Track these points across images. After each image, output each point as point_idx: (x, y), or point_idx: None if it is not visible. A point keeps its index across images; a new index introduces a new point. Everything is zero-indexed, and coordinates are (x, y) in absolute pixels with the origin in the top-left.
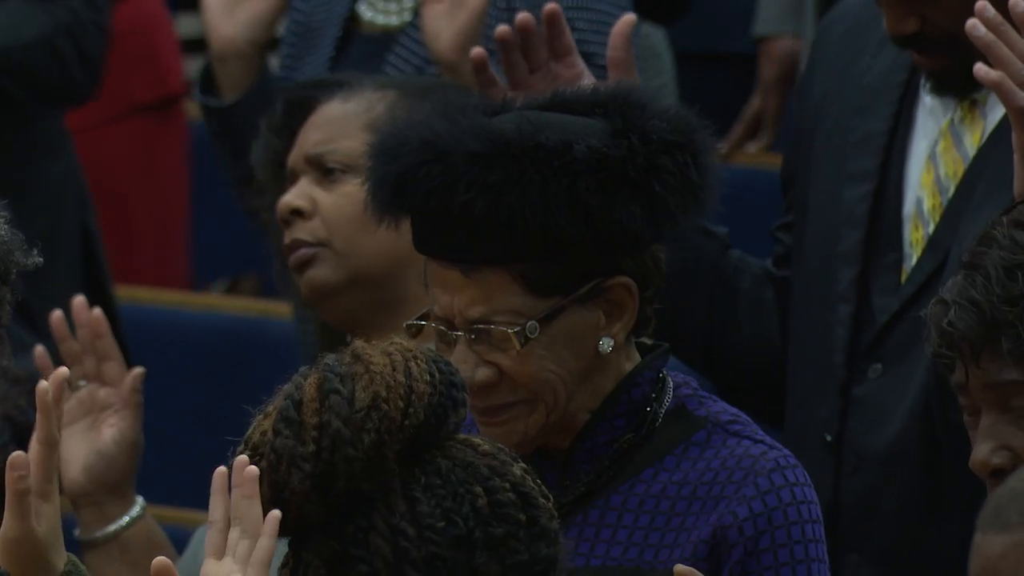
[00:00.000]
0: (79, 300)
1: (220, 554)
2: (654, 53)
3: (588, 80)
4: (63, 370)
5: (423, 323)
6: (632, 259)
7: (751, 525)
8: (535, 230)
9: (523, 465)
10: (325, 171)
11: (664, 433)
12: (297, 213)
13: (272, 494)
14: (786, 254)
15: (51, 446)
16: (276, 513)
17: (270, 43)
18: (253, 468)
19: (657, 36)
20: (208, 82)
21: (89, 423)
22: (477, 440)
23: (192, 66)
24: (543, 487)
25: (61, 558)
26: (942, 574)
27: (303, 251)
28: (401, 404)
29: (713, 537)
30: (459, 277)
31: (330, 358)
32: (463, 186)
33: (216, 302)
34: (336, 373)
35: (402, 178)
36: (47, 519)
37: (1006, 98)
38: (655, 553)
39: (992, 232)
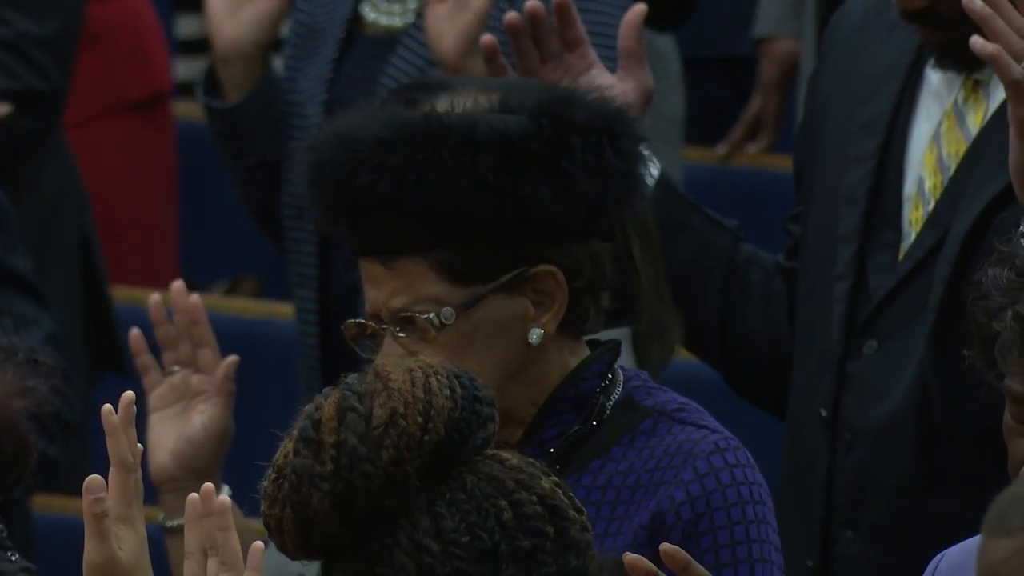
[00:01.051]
0: (177, 285)
1: None
2: (659, 55)
3: (599, 71)
4: (129, 394)
5: (360, 321)
6: (562, 251)
7: (688, 508)
8: (442, 213)
9: (554, 478)
10: None
11: (611, 425)
12: None
13: (295, 515)
14: (796, 246)
15: (127, 469)
16: (259, 544)
17: (273, 44)
18: (224, 499)
19: (663, 38)
20: (211, 83)
21: (180, 409)
22: (506, 455)
23: (191, 67)
24: (575, 500)
25: None
26: (935, 550)
27: None
28: (420, 419)
29: (652, 522)
30: (381, 270)
31: (351, 377)
32: (367, 171)
33: (216, 302)
34: (354, 391)
35: (314, 170)
36: (129, 544)
37: (1002, 71)
38: (600, 542)
39: None
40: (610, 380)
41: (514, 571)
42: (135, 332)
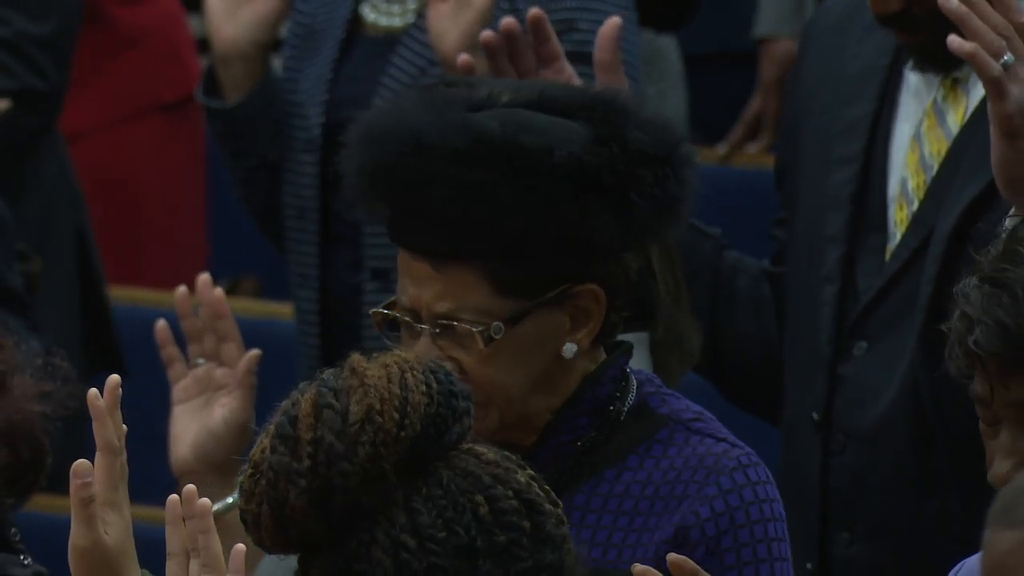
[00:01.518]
0: (204, 278)
1: None
2: (660, 55)
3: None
4: (115, 378)
5: (387, 312)
6: (603, 267)
7: (712, 525)
8: (506, 229)
9: (530, 472)
10: None
11: (627, 432)
12: None
13: (272, 511)
14: (782, 250)
15: (113, 454)
16: (240, 547)
17: (273, 44)
18: (206, 501)
19: (664, 38)
20: (211, 84)
21: (203, 402)
22: (481, 449)
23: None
24: (551, 494)
25: (135, 572)
26: (932, 549)
27: None
28: (396, 416)
29: (675, 537)
30: (428, 270)
31: (327, 373)
32: (442, 183)
33: None
34: (330, 388)
35: (382, 168)
36: (115, 529)
37: (980, 69)
38: (618, 553)
39: (1016, 248)
40: (624, 385)
41: (491, 566)
42: (161, 323)
